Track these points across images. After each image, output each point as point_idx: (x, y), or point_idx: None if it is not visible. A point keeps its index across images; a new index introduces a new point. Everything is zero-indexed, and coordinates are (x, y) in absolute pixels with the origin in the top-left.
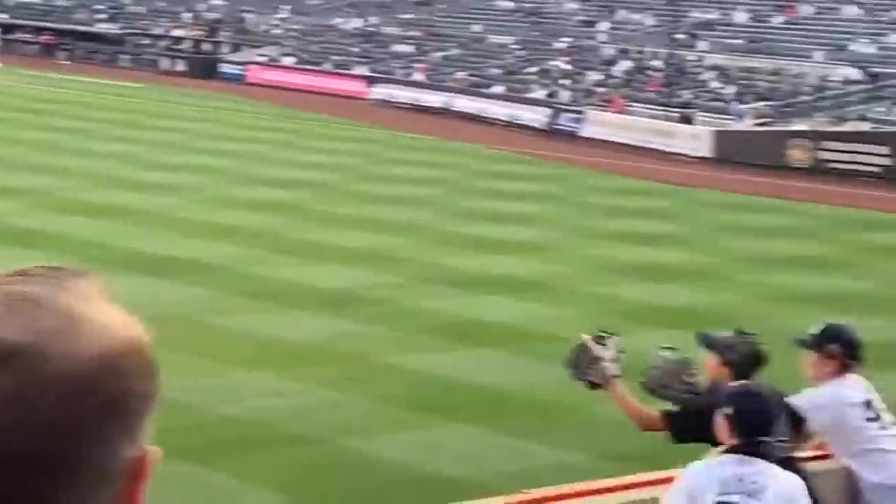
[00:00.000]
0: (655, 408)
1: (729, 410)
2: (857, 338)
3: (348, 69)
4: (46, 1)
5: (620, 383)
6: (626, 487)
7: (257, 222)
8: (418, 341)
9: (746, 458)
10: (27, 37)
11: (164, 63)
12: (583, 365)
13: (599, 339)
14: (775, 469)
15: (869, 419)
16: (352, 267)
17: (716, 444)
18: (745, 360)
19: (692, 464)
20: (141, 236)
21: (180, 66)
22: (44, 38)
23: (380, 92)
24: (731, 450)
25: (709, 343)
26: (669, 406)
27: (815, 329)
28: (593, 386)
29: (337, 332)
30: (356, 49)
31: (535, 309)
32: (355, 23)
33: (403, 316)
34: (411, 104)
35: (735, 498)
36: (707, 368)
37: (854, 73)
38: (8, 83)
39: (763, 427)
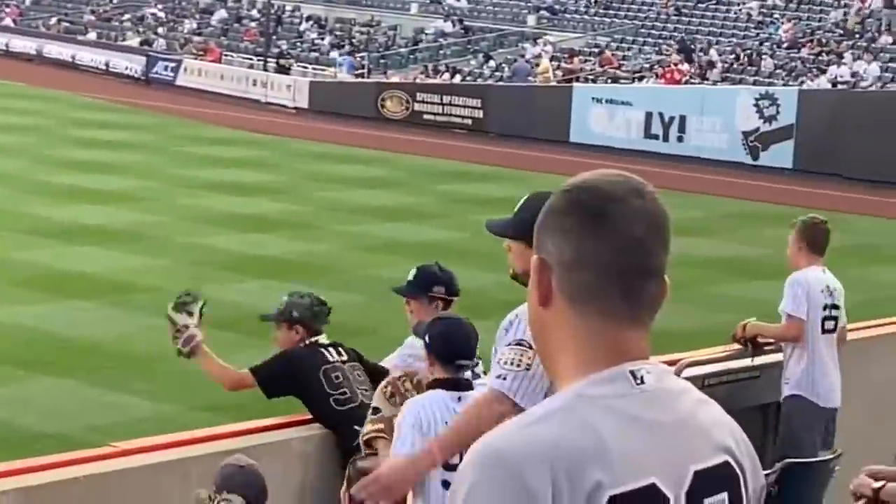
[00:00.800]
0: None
1: (426, 340)
2: (452, 274)
3: None
4: None
5: (205, 349)
6: (217, 438)
7: None
8: (8, 293)
9: (463, 394)
10: None
11: None
12: (172, 334)
13: (182, 306)
14: None
15: None
16: None
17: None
18: (310, 313)
19: (409, 401)
20: None
21: None
22: None
23: None
24: (440, 384)
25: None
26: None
27: (410, 276)
28: (181, 353)
29: None
30: None
31: (129, 259)
32: None
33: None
34: (0, 50)
35: None
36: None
37: (447, 27)
38: None
39: (459, 348)
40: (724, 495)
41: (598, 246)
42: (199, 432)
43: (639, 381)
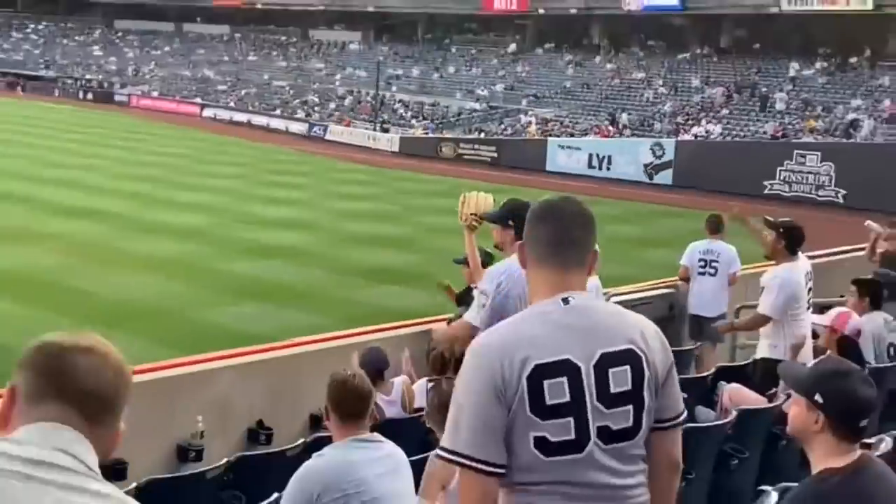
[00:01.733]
0: None
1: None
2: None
3: (189, 99)
4: (7, 56)
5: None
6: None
7: (132, 186)
8: (221, 298)
9: None
10: None
11: (81, 94)
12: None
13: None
14: None
15: None
16: (176, 241)
17: None
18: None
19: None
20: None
21: (90, 96)
22: (7, 78)
23: (209, 113)
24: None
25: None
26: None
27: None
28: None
29: (164, 291)
30: (194, 87)
31: (303, 271)
32: (194, 73)
33: (212, 275)
34: (228, 120)
35: None
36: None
37: (478, 106)
38: None
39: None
40: (627, 367)
41: (541, 229)
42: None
43: (565, 302)
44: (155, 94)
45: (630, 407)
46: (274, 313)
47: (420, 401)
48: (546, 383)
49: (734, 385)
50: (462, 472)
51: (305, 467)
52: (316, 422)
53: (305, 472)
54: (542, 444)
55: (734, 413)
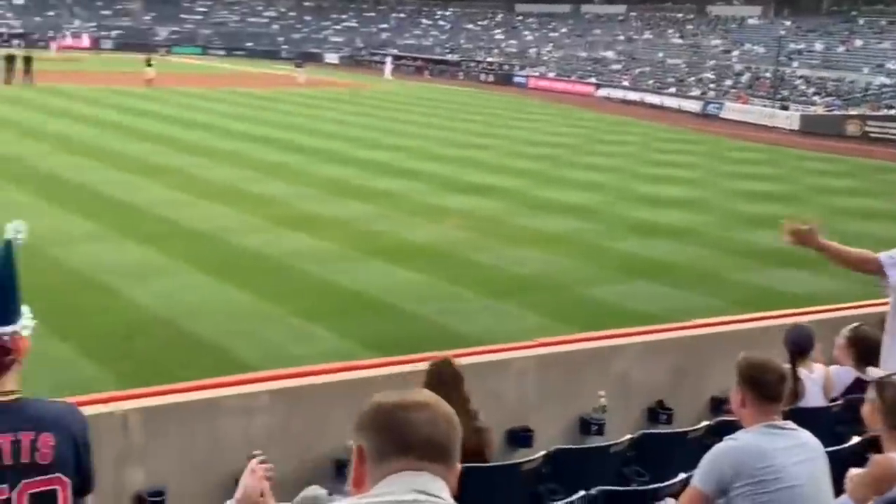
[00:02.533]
0: None
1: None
2: None
3: (584, 79)
4: (417, 41)
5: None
6: None
7: (528, 164)
8: (610, 275)
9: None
10: (408, 63)
11: (482, 76)
12: None
13: None
14: None
15: None
16: (566, 218)
17: None
18: None
19: None
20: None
21: (491, 78)
22: (416, 63)
23: (603, 92)
24: None
25: None
26: None
27: None
28: None
29: (554, 266)
30: (589, 67)
31: (682, 251)
32: (590, 53)
33: (601, 252)
34: (621, 99)
35: None
36: None
37: (888, 81)
38: (394, 88)
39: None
40: None
41: None
42: None
43: None
44: (551, 74)
45: None
46: (663, 293)
47: (837, 391)
48: None
49: None
50: None
51: (719, 449)
52: (717, 405)
53: (718, 453)
54: None
55: None
